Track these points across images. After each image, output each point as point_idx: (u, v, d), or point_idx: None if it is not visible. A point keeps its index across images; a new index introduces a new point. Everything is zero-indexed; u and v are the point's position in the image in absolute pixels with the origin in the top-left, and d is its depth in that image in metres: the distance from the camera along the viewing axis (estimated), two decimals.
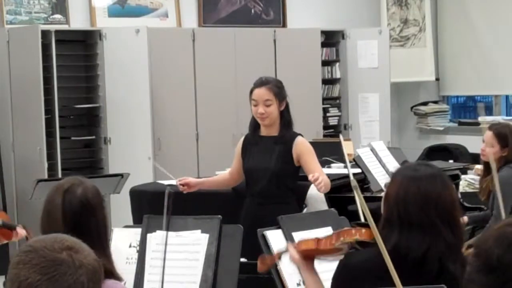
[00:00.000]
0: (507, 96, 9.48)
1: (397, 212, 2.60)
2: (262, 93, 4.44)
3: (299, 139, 4.49)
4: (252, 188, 4.52)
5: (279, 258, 2.94)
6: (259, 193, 4.47)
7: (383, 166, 5.73)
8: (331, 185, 5.59)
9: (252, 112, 4.53)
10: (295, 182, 4.46)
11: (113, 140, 7.52)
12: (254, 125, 4.56)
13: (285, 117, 4.51)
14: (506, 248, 1.57)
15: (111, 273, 2.58)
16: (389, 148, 6.21)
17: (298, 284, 3.12)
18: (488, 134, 4.93)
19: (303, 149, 4.45)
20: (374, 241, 2.45)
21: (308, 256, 2.76)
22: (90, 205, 2.63)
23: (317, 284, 2.75)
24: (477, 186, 5.36)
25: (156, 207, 4.48)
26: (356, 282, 2.54)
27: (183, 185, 4.52)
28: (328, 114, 8.93)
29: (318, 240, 2.69)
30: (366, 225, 2.59)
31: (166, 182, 5.81)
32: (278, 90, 4.47)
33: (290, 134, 4.50)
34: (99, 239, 2.61)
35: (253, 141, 4.55)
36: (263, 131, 4.54)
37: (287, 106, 4.53)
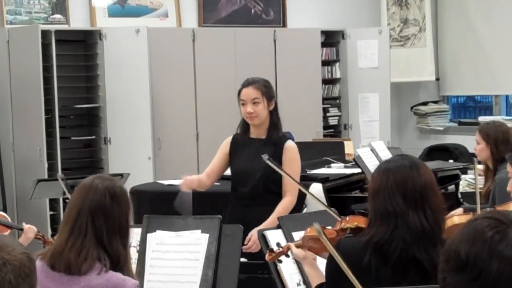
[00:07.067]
0: (507, 96, 9.48)
1: (373, 205, 2.67)
2: (249, 92, 4.38)
3: (288, 143, 4.41)
4: (239, 189, 4.42)
5: (288, 250, 3.03)
6: (246, 195, 4.37)
7: None
8: (332, 185, 5.61)
9: (241, 113, 4.45)
10: (280, 187, 4.38)
11: (113, 140, 7.52)
12: (244, 127, 4.49)
13: (273, 118, 4.42)
14: (471, 242, 1.58)
15: (124, 265, 2.71)
16: (389, 148, 6.22)
17: (298, 284, 3.12)
18: (476, 132, 5.03)
19: (289, 158, 4.37)
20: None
21: (312, 251, 2.92)
22: (115, 193, 2.77)
23: (321, 276, 2.85)
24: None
25: (156, 207, 4.48)
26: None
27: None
28: (328, 114, 8.93)
29: (323, 228, 2.80)
30: (366, 215, 2.76)
31: (166, 182, 5.83)
32: (266, 89, 4.41)
33: (279, 136, 4.41)
34: (119, 229, 2.74)
35: (242, 142, 4.47)
36: (253, 133, 4.47)
37: (276, 107, 4.45)
